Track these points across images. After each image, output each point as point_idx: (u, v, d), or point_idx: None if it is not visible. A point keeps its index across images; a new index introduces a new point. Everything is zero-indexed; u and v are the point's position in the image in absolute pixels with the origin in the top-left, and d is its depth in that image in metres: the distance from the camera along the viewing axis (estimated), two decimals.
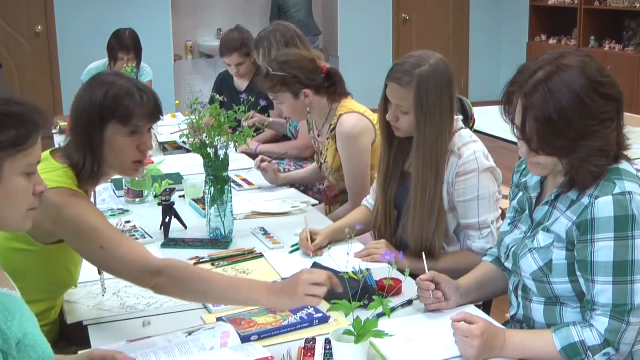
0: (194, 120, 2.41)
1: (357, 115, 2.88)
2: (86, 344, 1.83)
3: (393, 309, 1.91)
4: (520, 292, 1.88)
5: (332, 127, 2.94)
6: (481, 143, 2.33)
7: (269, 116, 4.03)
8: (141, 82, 2.03)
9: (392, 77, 2.27)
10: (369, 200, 2.63)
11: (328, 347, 1.71)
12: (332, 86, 2.93)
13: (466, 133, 2.33)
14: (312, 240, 2.38)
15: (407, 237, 2.34)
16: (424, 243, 2.29)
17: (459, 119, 2.36)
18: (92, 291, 2.10)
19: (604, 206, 1.64)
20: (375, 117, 2.93)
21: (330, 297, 1.80)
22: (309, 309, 1.89)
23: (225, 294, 1.81)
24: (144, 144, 1.96)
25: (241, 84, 4.30)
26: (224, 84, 4.41)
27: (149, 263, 1.81)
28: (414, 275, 1.93)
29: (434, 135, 2.24)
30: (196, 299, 1.90)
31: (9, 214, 1.43)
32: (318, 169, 3.25)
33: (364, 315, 1.67)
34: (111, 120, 1.90)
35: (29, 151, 1.42)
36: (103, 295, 2.07)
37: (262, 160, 3.18)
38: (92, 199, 2.06)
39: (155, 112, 1.97)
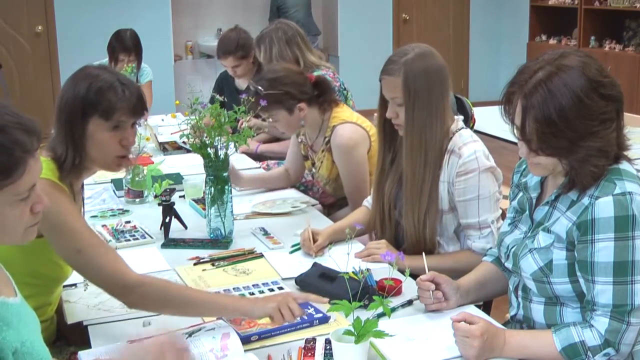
0: (195, 120, 2.41)
1: (351, 126, 2.87)
2: (86, 344, 1.83)
3: (393, 309, 1.91)
4: (520, 292, 1.88)
5: (327, 139, 2.92)
6: (481, 143, 2.33)
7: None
8: (123, 75, 2.01)
9: (382, 71, 2.30)
10: (370, 201, 2.62)
11: (328, 347, 1.71)
12: (321, 95, 2.89)
13: (466, 133, 2.33)
14: (314, 241, 2.38)
15: (403, 219, 2.35)
16: (417, 226, 2.29)
17: (459, 118, 2.37)
18: (92, 291, 2.09)
19: (604, 206, 1.64)
20: (368, 124, 2.93)
21: (330, 297, 1.80)
22: (308, 309, 1.89)
23: (203, 306, 1.81)
24: (126, 139, 1.94)
25: (242, 83, 4.29)
26: (224, 83, 4.41)
27: (125, 278, 1.79)
28: (414, 275, 1.93)
29: (422, 120, 2.24)
30: (174, 313, 1.85)
31: (5, 236, 1.40)
32: (285, 174, 3.20)
33: (364, 315, 1.67)
34: (93, 115, 1.88)
35: (17, 183, 1.33)
36: (85, 290, 2.07)
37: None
38: (80, 196, 2.06)
39: (137, 107, 1.94)
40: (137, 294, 1.78)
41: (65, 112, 1.90)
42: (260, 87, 2.76)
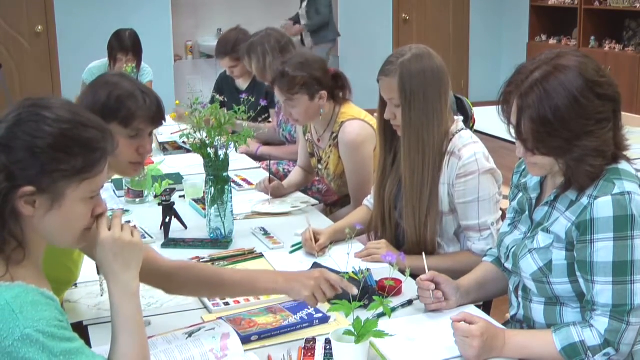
0: (195, 120, 2.41)
1: (359, 123, 2.87)
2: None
3: (393, 309, 1.91)
4: (520, 292, 1.89)
5: (335, 134, 2.93)
6: (481, 144, 2.32)
7: (268, 116, 4.02)
8: (143, 84, 2.02)
9: (380, 72, 2.31)
10: (370, 200, 2.62)
11: (328, 347, 1.71)
12: (339, 89, 2.91)
13: (466, 134, 2.32)
14: (316, 240, 2.38)
15: (403, 221, 2.35)
16: (418, 227, 2.29)
17: (459, 119, 2.37)
18: (92, 291, 2.10)
19: (603, 206, 1.64)
20: (375, 122, 2.93)
21: (330, 297, 1.80)
22: (308, 309, 1.89)
23: (241, 287, 1.83)
24: (143, 147, 1.96)
25: (242, 83, 4.29)
26: (224, 83, 4.41)
27: (161, 266, 1.80)
28: (414, 275, 1.94)
29: (418, 120, 2.24)
30: (211, 295, 1.91)
31: (64, 235, 1.44)
32: (304, 172, 3.22)
33: (364, 315, 1.67)
34: (112, 121, 1.88)
35: (95, 179, 1.41)
36: (102, 295, 2.07)
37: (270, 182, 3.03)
38: None
39: (157, 116, 1.96)
40: (175, 280, 1.80)
41: None
42: (287, 69, 2.77)
